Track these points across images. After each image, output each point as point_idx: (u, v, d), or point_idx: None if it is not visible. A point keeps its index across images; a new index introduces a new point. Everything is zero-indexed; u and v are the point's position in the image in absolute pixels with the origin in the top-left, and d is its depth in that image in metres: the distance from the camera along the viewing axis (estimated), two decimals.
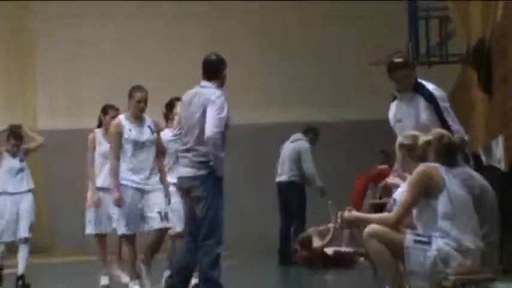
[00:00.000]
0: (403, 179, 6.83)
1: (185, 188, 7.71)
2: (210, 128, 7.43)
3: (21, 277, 10.77)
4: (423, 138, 6.27)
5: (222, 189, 7.66)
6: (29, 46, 19.01)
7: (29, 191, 11.05)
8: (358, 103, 17.57)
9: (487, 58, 10.93)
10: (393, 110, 7.47)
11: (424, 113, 7.14)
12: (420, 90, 7.22)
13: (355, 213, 6.41)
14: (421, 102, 7.18)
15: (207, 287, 7.47)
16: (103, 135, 10.00)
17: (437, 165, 5.98)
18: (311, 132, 13.81)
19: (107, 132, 9.75)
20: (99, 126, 10.19)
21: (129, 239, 8.80)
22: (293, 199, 12.87)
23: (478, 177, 6.41)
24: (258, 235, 16.31)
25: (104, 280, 10.04)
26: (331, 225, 12.64)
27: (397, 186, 7.14)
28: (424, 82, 7.39)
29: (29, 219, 10.91)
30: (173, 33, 18.44)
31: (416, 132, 6.50)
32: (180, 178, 7.81)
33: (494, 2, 12.76)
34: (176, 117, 8.61)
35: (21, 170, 11.04)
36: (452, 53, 13.92)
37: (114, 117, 9.51)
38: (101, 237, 10.16)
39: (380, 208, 9.96)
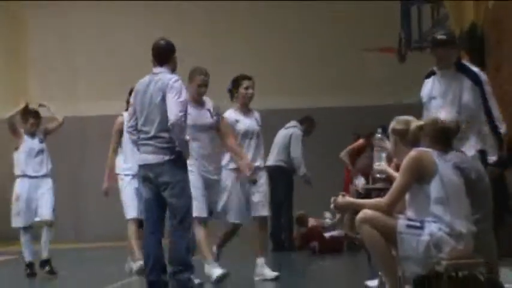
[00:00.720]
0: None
1: (151, 174, 7.47)
2: (174, 112, 7.30)
3: (47, 262, 10.47)
4: (415, 123, 6.18)
5: (188, 172, 7.59)
6: (21, 35, 18.95)
7: (47, 174, 10.64)
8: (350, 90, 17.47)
9: (480, 44, 10.84)
10: (428, 86, 7.31)
11: (468, 94, 7.00)
12: (465, 70, 7.06)
13: (348, 199, 6.32)
14: (465, 82, 7.03)
15: (187, 271, 7.42)
16: None
17: (429, 150, 5.89)
18: (307, 121, 13.68)
19: None
20: (128, 109, 9.68)
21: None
22: (279, 184, 12.74)
23: (475, 163, 6.32)
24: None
25: (135, 265, 9.42)
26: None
27: (384, 172, 7.05)
28: (468, 64, 7.24)
29: (51, 202, 10.54)
30: (168, 17, 18.28)
31: (409, 117, 6.39)
32: (144, 166, 7.52)
33: None
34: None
35: (40, 151, 10.61)
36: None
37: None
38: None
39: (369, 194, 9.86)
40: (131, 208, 9.44)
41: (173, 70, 7.67)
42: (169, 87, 7.40)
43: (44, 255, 10.46)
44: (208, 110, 8.72)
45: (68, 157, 17.20)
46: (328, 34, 17.86)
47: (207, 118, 8.69)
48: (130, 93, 8.97)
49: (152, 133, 7.45)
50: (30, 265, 10.55)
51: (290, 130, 13.33)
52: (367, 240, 5.90)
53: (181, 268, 7.39)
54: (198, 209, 8.32)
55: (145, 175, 7.51)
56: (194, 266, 7.55)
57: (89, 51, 18.69)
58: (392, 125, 6.41)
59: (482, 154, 6.94)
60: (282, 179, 12.96)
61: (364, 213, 5.89)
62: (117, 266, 10.50)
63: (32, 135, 10.63)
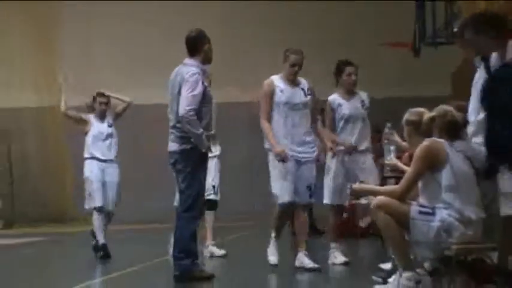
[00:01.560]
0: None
1: (172, 161, 7.64)
2: (182, 106, 7.35)
3: (104, 246, 10.36)
4: (427, 114, 6.29)
5: (205, 164, 7.55)
6: (54, 27, 19.15)
7: (114, 160, 10.50)
8: None
9: None
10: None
11: None
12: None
13: (364, 186, 6.49)
14: None
15: (187, 258, 7.42)
16: None
17: (441, 140, 6.02)
18: None
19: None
20: None
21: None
22: None
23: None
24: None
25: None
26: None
27: (395, 167, 7.19)
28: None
29: (116, 193, 10.45)
30: (189, 8, 18.42)
31: (422, 109, 6.54)
32: (169, 152, 7.71)
33: None
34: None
35: (109, 135, 10.49)
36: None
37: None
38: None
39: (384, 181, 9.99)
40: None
41: (205, 60, 7.63)
42: (185, 80, 7.46)
43: (101, 240, 10.32)
44: (303, 90, 8.58)
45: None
46: (344, 29, 17.93)
47: (300, 97, 8.53)
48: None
49: (173, 122, 7.61)
50: (103, 247, 10.36)
51: None
52: (381, 225, 6.02)
53: (182, 255, 7.43)
54: (284, 193, 8.25)
55: (170, 161, 7.67)
56: (198, 253, 7.57)
57: (112, 46, 18.91)
58: (406, 116, 6.60)
59: None
60: None
61: (379, 199, 6.02)
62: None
63: (101, 118, 10.50)
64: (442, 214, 5.84)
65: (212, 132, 7.72)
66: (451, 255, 5.87)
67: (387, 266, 7.20)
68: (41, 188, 18.57)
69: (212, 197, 9.74)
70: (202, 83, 7.49)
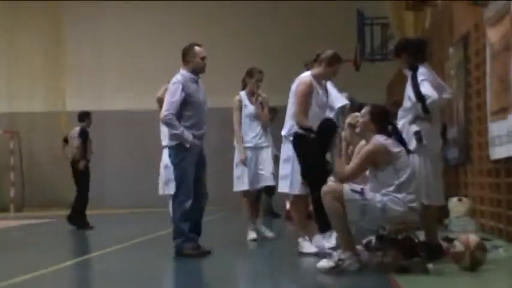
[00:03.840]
0: None
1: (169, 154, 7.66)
2: (162, 111, 7.31)
3: None
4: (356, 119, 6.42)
5: (191, 157, 7.27)
6: (58, 34, 18.88)
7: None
8: None
9: None
10: None
11: None
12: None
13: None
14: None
15: (179, 237, 7.24)
16: (248, 97, 8.90)
17: (383, 142, 5.92)
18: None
19: (252, 95, 8.90)
20: (243, 89, 8.96)
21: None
22: None
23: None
24: None
25: (252, 235, 8.76)
26: None
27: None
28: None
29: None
30: (194, 15, 18.29)
31: (357, 113, 6.60)
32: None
33: (423, 12, 12.85)
34: None
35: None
36: (391, 52, 13.98)
37: (259, 80, 8.84)
38: (248, 194, 8.86)
39: None
40: (240, 181, 8.83)
41: (195, 71, 7.37)
42: (168, 88, 7.38)
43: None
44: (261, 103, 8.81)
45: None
46: (292, 46, 17.81)
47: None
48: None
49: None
50: None
51: None
52: (327, 208, 5.91)
53: (174, 235, 7.29)
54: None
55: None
56: (188, 234, 7.18)
57: (117, 55, 18.68)
58: (348, 120, 6.77)
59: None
60: None
61: (328, 186, 5.93)
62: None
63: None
64: (376, 196, 5.73)
65: (202, 131, 7.37)
66: (384, 234, 5.81)
67: (332, 242, 7.09)
68: (48, 177, 18.48)
69: (270, 183, 8.90)
70: (183, 90, 7.25)
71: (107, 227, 12.31)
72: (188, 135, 7.23)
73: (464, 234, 6.13)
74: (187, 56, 7.35)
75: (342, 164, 6.01)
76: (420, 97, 6.21)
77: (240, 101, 8.82)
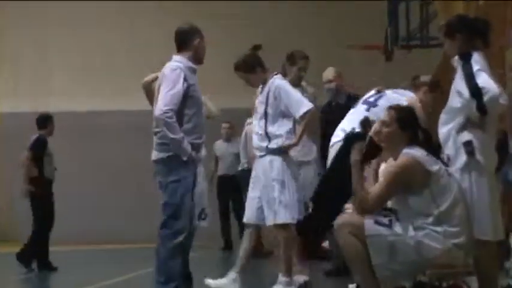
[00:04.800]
0: None
1: (154, 171, 7.14)
2: (159, 106, 6.87)
3: None
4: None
5: (189, 173, 7.02)
6: (6, 35, 19.00)
7: None
8: None
9: None
10: None
11: None
12: None
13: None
14: None
15: (165, 278, 6.91)
16: None
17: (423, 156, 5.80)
18: None
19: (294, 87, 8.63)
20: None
21: None
22: None
23: None
24: None
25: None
26: None
27: None
28: None
29: None
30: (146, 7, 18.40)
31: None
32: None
33: None
34: None
35: None
36: (434, 36, 13.86)
37: (303, 68, 8.77)
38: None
39: None
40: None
41: (195, 57, 7.19)
42: (165, 77, 7.01)
43: None
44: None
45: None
46: (312, 30, 17.89)
47: None
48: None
49: (153, 127, 7.09)
50: None
51: None
52: (343, 245, 5.74)
53: (161, 279, 6.93)
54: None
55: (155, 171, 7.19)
56: (176, 275, 6.98)
57: (63, 50, 18.85)
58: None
59: None
60: None
61: (343, 218, 5.81)
62: None
63: None
64: (409, 229, 5.60)
65: (202, 140, 7.09)
66: (424, 280, 5.74)
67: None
68: None
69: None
70: (185, 80, 6.98)
71: (66, 267, 12.33)
72: (187, 144, 6.91)
73: None
74: (186, 39, 7.17)
75: (366, 190, 5.82)
76: (476, 91, 5.99)
77: None
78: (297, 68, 8.56)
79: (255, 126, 8.19)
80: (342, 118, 7.84)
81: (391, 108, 6.01)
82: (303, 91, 8.63)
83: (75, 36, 18.71)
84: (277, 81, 8.08)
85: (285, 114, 8.00)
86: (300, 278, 8.40)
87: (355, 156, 5.87)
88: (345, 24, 17.67)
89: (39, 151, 11.78)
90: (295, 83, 8.52)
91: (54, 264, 11.86)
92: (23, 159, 11.86)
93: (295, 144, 8.07)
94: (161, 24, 16.91)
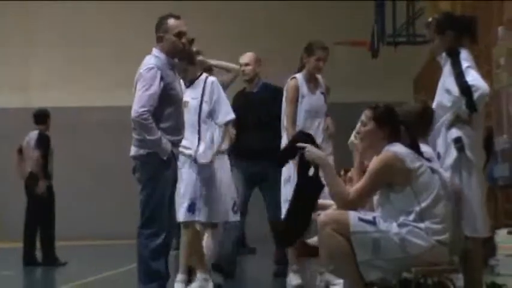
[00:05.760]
0: None
1: (132, 167, 6.97)
2: (134, 107, 6.70)
3: None
4: None
5: (169, 171, 6.86)
6: None
7: None
8: None
9: None
10: None
11: None
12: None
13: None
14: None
15: (151, 281, 6.75)
16: (307, 84, 8.32)
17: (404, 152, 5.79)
18: None
19: (311, 81, 8.33)
20: (300, 70, 8.36)
21: None
22: None
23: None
24: None
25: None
26: None
27: None
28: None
29: None
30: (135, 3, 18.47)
31: None
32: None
33: None
34: None
35: None
36: (420, 34, 13.88)
37: (321, 59, 8.24)
38: None
39: None
40: None
41: (169, 52, 6.92)
42: (140, 75, 6.79)
43: None
44: (323, 93, 8.20)
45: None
46: (298, 26, 17.90)
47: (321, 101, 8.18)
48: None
49: (132, 123, 6.87)
50: None
51: None
52: (326, 243, 5.62)
53: (144, 278, 6.75)
54: None
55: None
56: (161, 275, 6.81)
57: (49, 42, 18.84)
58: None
59: None
60: None
61: (327, 215, 5.73)
62: None
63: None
64: (392, 226, 5.58)
65: (181, 137, 6.92)
66: (409, 277, 5.69)
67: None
68: None
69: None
70: (162, 79, 6.76)
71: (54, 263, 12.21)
72: (166, 142, 6.75)
73: None
74: (158, 31, 6.91)
75: (342, 184, 5.82)
76: (466, 89, 6.01)
77: (297, 88, 8.14)
78: (315, 58, 8.10)
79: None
80: (253, 108, 7.87)
81: (367, 108, 6.01)
82: (318, 84, 8.26)
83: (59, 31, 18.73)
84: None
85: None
86: (293, 281, 8.16)
87: (316, 155, 5.84)
88: (332, 20, 17.67)
89: (46, 148, 11.75)
90: (313, 74, 8.17)
91: (39, 260, 11.83)
92: (32, 158, 11.73)
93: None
94: (151, 20, 16.99)
